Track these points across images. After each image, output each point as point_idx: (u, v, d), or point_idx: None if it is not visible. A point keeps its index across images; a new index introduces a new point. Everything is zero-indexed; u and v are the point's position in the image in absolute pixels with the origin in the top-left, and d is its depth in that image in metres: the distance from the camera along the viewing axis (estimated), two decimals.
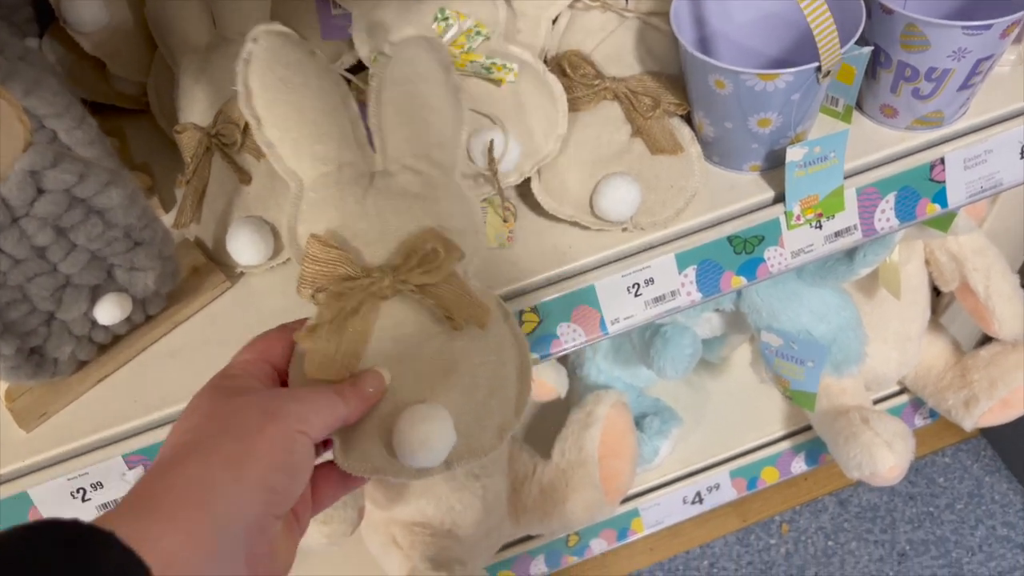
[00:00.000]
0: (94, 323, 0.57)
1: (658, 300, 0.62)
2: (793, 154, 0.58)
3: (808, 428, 1.01)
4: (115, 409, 0.57)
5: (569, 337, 0.61)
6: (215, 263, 0.63)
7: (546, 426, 0.97)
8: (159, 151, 0.71)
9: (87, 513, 0.57)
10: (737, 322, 0.88)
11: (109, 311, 0.56)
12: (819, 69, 0.54)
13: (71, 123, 0.59)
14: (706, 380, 1.05)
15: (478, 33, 0.60)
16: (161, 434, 0.57)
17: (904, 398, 1.02)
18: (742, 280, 0.63)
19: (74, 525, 0.30)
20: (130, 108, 0.74)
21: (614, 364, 0.96)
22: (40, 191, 0.49)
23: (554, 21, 0.65)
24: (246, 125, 0.62)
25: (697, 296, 0.62)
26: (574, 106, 0.62)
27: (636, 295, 0.61)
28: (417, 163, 0.49)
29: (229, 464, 0.35)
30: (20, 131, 0.46)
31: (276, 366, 0.44)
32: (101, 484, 0.57)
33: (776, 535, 1.12)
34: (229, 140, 0.62)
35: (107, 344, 0.59)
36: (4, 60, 0.57)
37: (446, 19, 0.60)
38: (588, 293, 0.60)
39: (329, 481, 0.43)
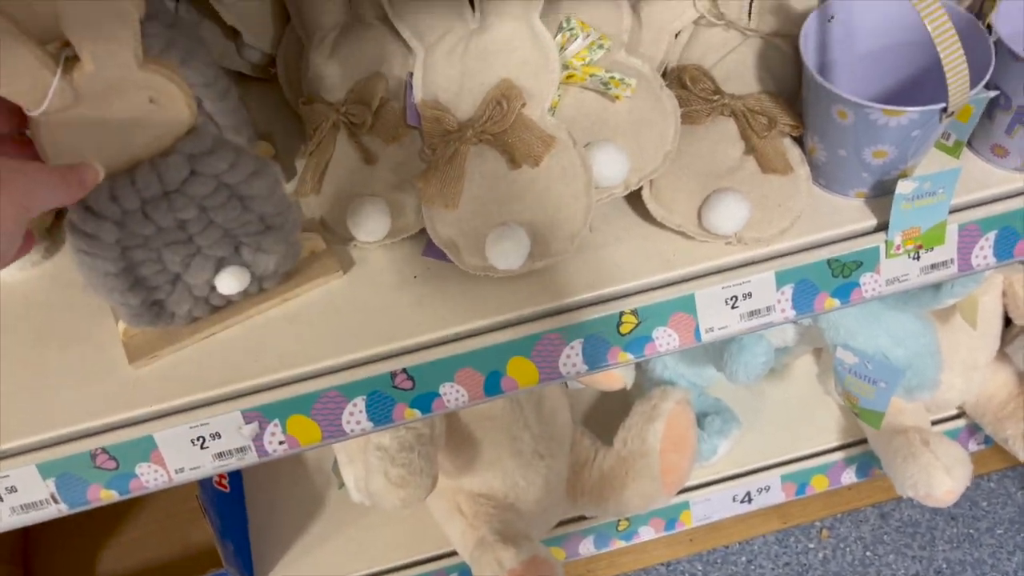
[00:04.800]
0: (213, 288, 0.60)
1: (753, 314, 0.64)
2: (903, 187, 0.60)
3: (861, 441, 1.03)
4: (235, 365, 0.61)
5: (664, 342, 0.64)
6: (331, 236, 0.66)
7: (608, 415, 1.01)
8: (282, 121, 0.74)
9: (205, 460, 0.61)
10: (810, 334, 0.90)
11: (229, 283, 0.60)
12: (944, 110, 0.56)
13: (217, 94, 0.63)
14: (765, 384, 1.07)
15: (600, 46, 0.62)
16: (280, 394, 0.60)
17: (961, 422, 1.04)
18: (836, 302, 0.65)
19: None
20: (255, 77, 0.77)
21: (680, 361, 0.99)
22: (193, 172, 0.52)
23: (676, 35, 0.67)
24: (378, 108, 0.65)
25: (791, 313, 0.65)
26: (691, 119, 0.64)
27: (733, 307, 0.64)
28: (500, 20, 0.61)
29: None
30: (187, 116, 0.50)
31: None
32: (219, 435, 0.61)
33: (815, 540, 1.14)
34: (358, 120, 0.65)
35: (220, 307, 0.62)
36: (161, 27, 0.60)
37: (571, 29, 0.62)
38: (687, 301, 0.63)
39: None
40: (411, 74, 0.64)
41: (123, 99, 0.47)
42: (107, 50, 0.44)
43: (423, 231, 0.65)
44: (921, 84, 0.65)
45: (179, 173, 0.52)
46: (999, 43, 0.58)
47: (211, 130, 0.54)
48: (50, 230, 0.69)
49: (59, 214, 0.69)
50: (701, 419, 0.98)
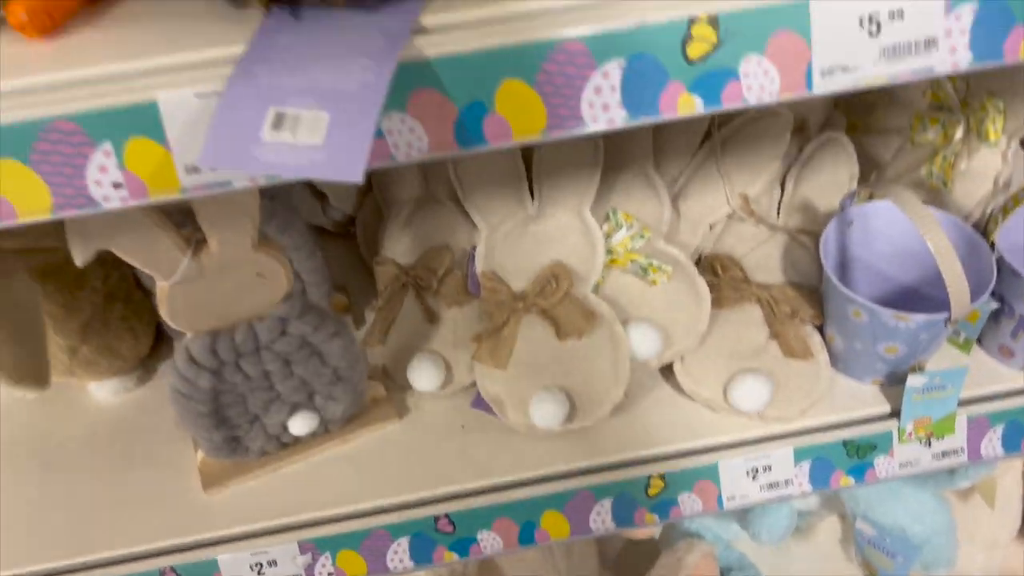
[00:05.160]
0: (285, 428, 0.68)
1: (772, 486, 0.69)
2: (914, 381, 0.66)
3: None
4: (296, 499, 0.68)
5: (688, 506, 0.69)
6: (391, 384, 0.74)
7: (635, 561, 1.04)
8: (356, 274, 0.83)
9: None
10: (833, 501, 0.93)
11: (300, 425, 0.67)
12: (948, 319, 0.62)
13: (306, 255, 0.72)
14: (790, 542, 1.09)
15: (641, 236, 0.71)
16: (333, 528, 0.66)
17: None
18: (851, 480, 0.70)
19: None
20: (336, 232, 0.87)
21: None
22: (283, 333, 0.61)
23: (711, 227, 0.75)
24: (443, 275, 0.74)
25: (808, 488, 0.69)
26: (720, 303, 0.72)
27: (754, 478, 0.69)
28: (555, 210, 0.69)
29: None
30: (285, 287, 0.59)
31: None
32: (275, 562, 0.67)
33: None
34: (425, 283, 0.74)
35: (289, 444, 0.70)
36: (264, 200, 0.70)
37: (617, 220, 0.71)
38: (711, 470, 0.68)
39: None
40: (475, 247, 0.73)
41: (236, 273, 0.56)
42: (230, 237, 0.54)
43: (473, 384, 0.72)
44: (938, 283, 0.72)
45: (272, 333, 0.60)
46: (1001, 259, 0.65)
47: (300, 294, 0.63)
48: (144, 361, 0.77)
49: (154, 345, 0.78)
50: (725, 573, 1.00)
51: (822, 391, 0.69)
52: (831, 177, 0.76)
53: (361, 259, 0.84)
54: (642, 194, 0.72)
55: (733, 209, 0.74)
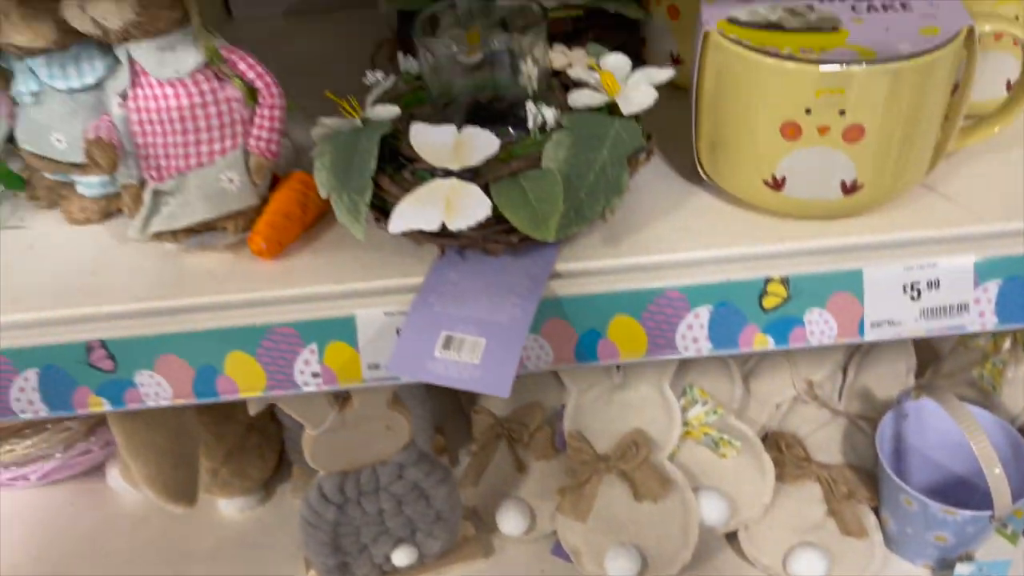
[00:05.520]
0: (388, 559, 0.77)
1: None
2: (962, 569, 0.71)
3: None
4: None
5: None
6: (479, 524, 0.82)
7: None
8: (454, 418, 0.94)
9: None
10: None
11: (402, 557, 0.76)
12: (992, 516, 0.68)
13: (418, 403, 0.83)
14: None
15: (715, 412, 0.80)
16: None
17: None
18: None
19: None
20: None
21: None
22: (400, 476, 0.71)
23: (777, 406, 0.84)
24: (534, 430, 0.84)
25: None
26: (783, 479, 0.79)
27: None
28: (638, 383, 0.78)
29: None
30: (407, 438, 0.69)
31: None
32: None
33: None
34: (518, 436, 0.84)
35: (388, 573, 0.78)
36: None
37: (693, 396, 0.80)
38: None
39: None
40: (564, 407, 0.83)
41: (369, 426, 0.67)
42: (371, 398, 0.65)
43: (555, 533, 0.80)
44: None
45: (391, 477, 0.70)
46: None
47: (415, 443, 0.73)
48: (266, 483, 0.88)
49: (275, 470, 0.89)
50: None
51: (875, 570, 0.75)
52: (890, 368, 0.84)
53: (460, 405, 0.94)
54: (717, 373, 0.82)
55: (798, 392, 0.83)
